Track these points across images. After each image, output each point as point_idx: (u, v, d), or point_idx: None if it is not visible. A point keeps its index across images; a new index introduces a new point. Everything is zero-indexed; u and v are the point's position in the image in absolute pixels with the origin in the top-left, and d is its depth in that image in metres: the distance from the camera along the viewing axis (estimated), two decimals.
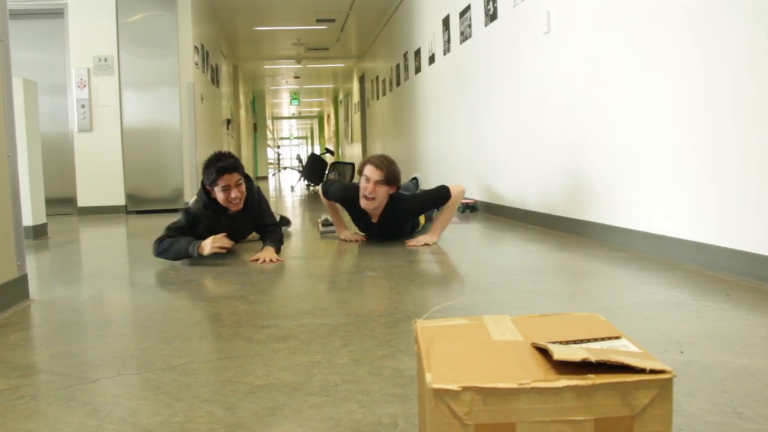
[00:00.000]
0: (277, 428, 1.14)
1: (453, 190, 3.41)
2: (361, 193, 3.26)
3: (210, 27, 8.91)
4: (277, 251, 3.12)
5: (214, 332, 1.82)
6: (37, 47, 6.67)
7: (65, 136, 6.71)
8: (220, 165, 3.03)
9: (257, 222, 3.38)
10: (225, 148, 10.04)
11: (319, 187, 4.40)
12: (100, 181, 6.69)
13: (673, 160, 2.72)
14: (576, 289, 2.27)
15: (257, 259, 3.01)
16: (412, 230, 3.78)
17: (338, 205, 3.68)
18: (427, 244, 3.39)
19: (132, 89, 6.70)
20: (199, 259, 3.08)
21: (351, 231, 3.73)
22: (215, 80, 9.19)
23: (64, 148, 6.67)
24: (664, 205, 2.79)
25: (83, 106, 6.64)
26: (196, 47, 7.30)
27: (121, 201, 6.73)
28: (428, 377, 0.73)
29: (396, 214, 3.42)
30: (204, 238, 3.04)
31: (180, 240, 3.01)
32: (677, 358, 1.47)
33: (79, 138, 6.67)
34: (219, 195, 3.08)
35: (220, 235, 3.02)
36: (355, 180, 4.05)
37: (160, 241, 3.04)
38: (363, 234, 3.68)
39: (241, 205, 3.15)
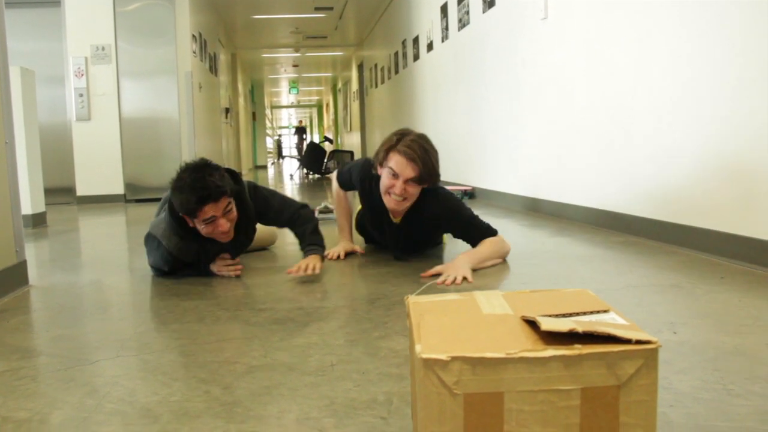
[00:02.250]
0: (274, 406, 1.16)
1: (500, 240, 2.49)
2: (384, 189, 2.37)
3: (208, 15, 8.88)
4: (322, 257, 2.40)
5: (211, 315, 1.83)
6: (34, 37, 6.65)
7: (63, 125, 6.71)
8: (202, 194, 2.11)
9: (272, 225, 2.67)
10: (223, 137, 10.08)
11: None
12: (98, 170, 6.69)
13: (663, 142, 2.73)
14: (571, 272, 2.28)
15: (294, 270, 2.27)
16: (435, 245, 2.90)
17: (350, 203, 2.78)
18: (465, 279, 2.18)
19: (130, 78, 6.69)
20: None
21: (342, 245, 2.73)
22: (213, 69, 9.17)
23: (63, 138, 6.67)
24: (663, 191, 2.81)
25: (81, 95, 6.63)
26: (194, 36, 7.28)
27: (119, 190, 6.74)
28: (418, 348, 0.74)
29: (424, 213, 2.47)
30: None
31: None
32: (670, 338, 1.48)
33: (78, 127, 6.67)
34: (201, 228, 2.22)
35: (230, 262, 2.39)
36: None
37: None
38: (358, 247, 2.78)
39: (232, 234, 2.31)
